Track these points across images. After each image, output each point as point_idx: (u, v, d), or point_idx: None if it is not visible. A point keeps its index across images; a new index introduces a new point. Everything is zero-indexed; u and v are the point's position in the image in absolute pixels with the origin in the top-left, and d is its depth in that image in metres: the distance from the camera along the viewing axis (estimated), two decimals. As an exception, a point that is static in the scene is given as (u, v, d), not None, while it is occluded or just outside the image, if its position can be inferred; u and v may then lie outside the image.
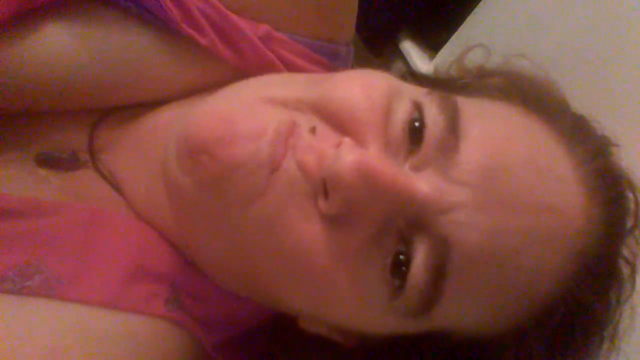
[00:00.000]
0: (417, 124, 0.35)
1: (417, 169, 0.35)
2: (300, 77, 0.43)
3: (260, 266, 0.37)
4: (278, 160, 0.34)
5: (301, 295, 0.37)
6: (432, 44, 1.29)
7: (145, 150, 0.44)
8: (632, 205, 0.39)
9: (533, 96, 0.41)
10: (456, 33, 1.18)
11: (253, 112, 0.36)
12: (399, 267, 0.34)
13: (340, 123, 0.36)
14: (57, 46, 0.40)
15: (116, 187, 0.44)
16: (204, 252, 0.41)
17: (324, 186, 0.34)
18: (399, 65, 1.39)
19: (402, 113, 0.36)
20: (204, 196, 0.37)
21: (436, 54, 1.27)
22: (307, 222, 0.34)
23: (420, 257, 0.33)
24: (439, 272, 0.33)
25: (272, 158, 0.34)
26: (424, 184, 0.33)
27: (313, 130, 0.35)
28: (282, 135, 0.35)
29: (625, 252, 0.39)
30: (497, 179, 0.33)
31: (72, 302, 0.35)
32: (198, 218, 0.39)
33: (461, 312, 0.35)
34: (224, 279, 0.42)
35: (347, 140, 0.34)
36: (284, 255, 0.35)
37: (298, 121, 0.36)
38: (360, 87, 0.36)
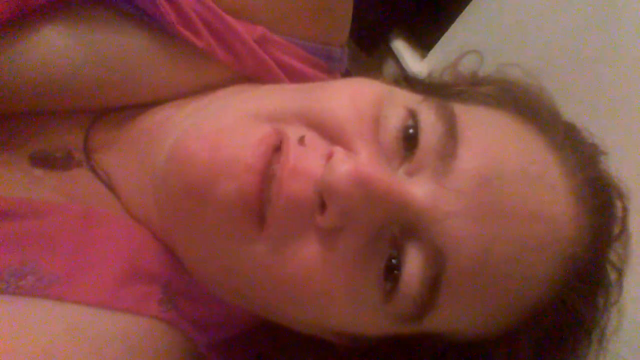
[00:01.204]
0: (411, 130, 0.35)
1: (411, 174, 0.35)
2: (288, 87, 0.43)
3: (255, 290, 0.38)
4: (261, 203, 0.34)
5: (297, 310, 0.38)
6: (424, 44, 1.30)
7: (140, 151, 0.44)
8: (619, 213, 0.40)
9: (526, 105, 0.41)
10: (447, 33, 1.19)
11: (240, 136, 0.35)
12: (392, 271, 0.34)
13: (329, 133, 0.36)
14: (54, 47, 0.40)
15: (110, 187, 0.44)
16: (194, 267, 0.41)
17: (320, 200, 0.34)
18: (390, 64, 1.39)
19: (394, 120, 0.36)
20: (194, 226, 0.37)
21: (427, 53, 1.27)
22: (305, 247, 0.34)
23: (414, 267, 0.33)
24: (434, 284, 0.33)
25: (254, 200, 0.34)
26: (418, 190, 0.33)
27: (302, 140, 0.35)
28: (264, 165, 0.34)
29: (613, 257, 0.40)
30: (491, 188, 0.34)
31: (65, 302, 0.35)
32: (188, 241, 0.39)
33: (454, 317, 0.36)
34: (216, 291, 0.42)
35: (338, 149, 0.34)
36: (281, 283, 0.35)
37: (287, 133, 0.35)
38: (348, 97, 0.36)
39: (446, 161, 0.34)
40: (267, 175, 0.34)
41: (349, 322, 0.38)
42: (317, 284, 0.34)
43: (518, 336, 0.37)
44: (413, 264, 0.33)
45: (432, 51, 1.24)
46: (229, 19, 0.44)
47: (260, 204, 0.34)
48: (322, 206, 0.34)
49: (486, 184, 0.34)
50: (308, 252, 0.34)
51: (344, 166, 0.32)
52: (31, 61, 0.39)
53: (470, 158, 0.34)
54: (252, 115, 0.37)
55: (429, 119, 0.36)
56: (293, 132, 0.35)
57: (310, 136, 0.35)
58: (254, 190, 0.33)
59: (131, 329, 0.37)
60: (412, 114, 0.36)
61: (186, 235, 0.39)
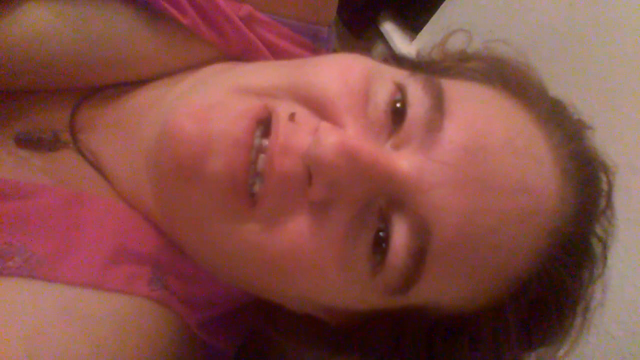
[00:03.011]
0: (399, 105, 0.36)
1: (397, 147, 0.35)
2: (277, 64, 0.42)
3: (248, 268, 0.38)
4: (249, 177, 0.34)
5: (289, 286, 0.38)
6: (413, 26, 1.30)
7: (128, 130, 0.43)
8: (604, 187, 0.41)
9: (513, 80, 0.41)
10: (436, 14, 1.19)
11: (228, 111, 0.35)
12: (380, 244, 0.34)
13: (319, 108, 0.36)
14: (38, 25, 0.39)
15: (98, 167, 0.44)
16: (187, 247, 0.41)
17: (308, 174, 0.34)
18: (380, 46, 1.39)
19: (383, 95, 0.36)
20: (187, 206, 0.37)
21: (416, 35, 1.27)
22: (296, 222, 0.34)
23: (400, 238, 0.34)
24: (419, 255, 0.33)
25: (243, 175, 0.34)
26: (404, 161, 0.34)
27: (292, 116, 0.35)
28: (251, 138, 0.34)
29: (598, 231, 0.40)
30: (476, 160, 0.34)
31: (54, 282, 0.35)
32: (181, 222, 0.39)
33: (440, 289, 0.36)
34: (209, 269, 0.42)
35: (324, 124, 0.34)
36: (273, 260, 0.35)
37: (276, 110, 0.35)
38: (338, 72, 0.36)
39: (432, 134, 0.34)
40: (253, 149, 0.34)
41: (339, 296, 0.38)
42: (307, 258, 0.35)
43: (504, 308, 0.37)
44: (399, 235, 0.34)
45: (421, 33, 1.24)
46: None
47: (247, 179, 0.34)
48: (310, 179, 0.34)
49: (471, 156, 0.34)
50: (299, 227, 0.34)
51: (329, 138, 0.32)
52: (16, 38, 0.39)
53: (455, 130, 0.34)
54: (241, 90, 0.37)
55: (416, 92, 0.36)
56: (283, 109, 0.35)
57: (300, 113, 0.35)
58: (241, 165, 0.34)
59: (121, 308, 0.37)
60: (400, 88, 0.36)
61: (179, 215, 0.39)
